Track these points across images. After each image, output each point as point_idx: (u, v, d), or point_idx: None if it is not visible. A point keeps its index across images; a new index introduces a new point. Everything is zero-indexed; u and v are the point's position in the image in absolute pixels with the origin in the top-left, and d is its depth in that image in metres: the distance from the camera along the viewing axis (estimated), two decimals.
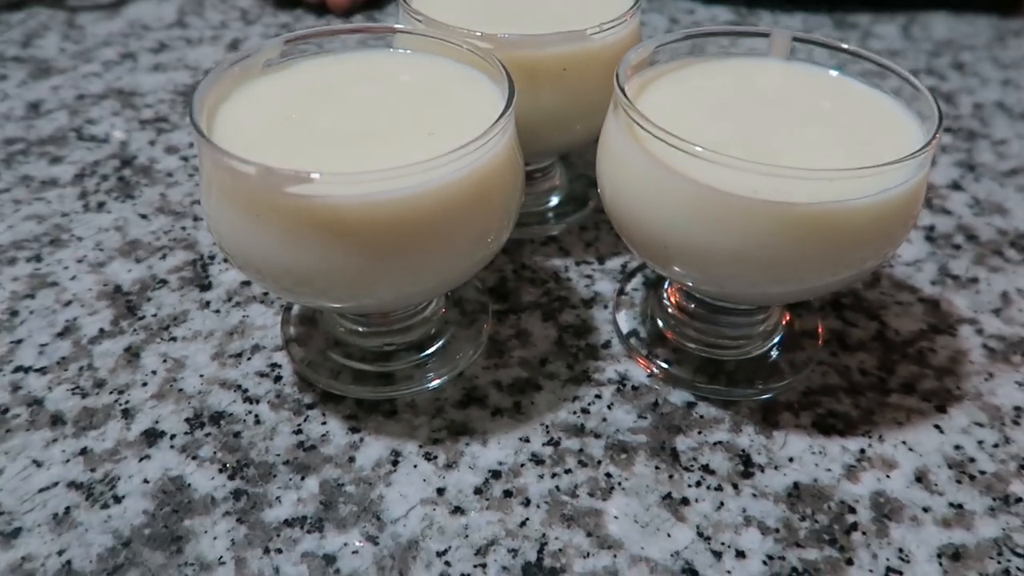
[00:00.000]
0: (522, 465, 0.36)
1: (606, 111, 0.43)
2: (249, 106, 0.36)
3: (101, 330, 0.43)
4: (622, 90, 0.34)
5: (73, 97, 0.62)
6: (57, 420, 0.38)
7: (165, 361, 0.41)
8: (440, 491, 0.35)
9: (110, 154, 0.56)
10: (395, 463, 0.36)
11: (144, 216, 0.50)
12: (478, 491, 0.35)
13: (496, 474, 0.36)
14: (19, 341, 0.42)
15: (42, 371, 0.40)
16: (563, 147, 0.46)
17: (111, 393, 0.39)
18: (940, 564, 0.33)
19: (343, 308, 0.39)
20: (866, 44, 0.71)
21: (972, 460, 0.37)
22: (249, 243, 0.33)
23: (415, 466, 0.36)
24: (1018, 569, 0.33)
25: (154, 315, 0.44)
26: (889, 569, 0.32)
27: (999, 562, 0.33)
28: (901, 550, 0.33)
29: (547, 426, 0.38)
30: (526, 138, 0.40)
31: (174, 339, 0.42)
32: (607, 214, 0.39)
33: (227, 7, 0.76)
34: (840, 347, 0.42)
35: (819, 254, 0.32)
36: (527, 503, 0.35)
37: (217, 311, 0.44)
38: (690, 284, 0.37)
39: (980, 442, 0.38)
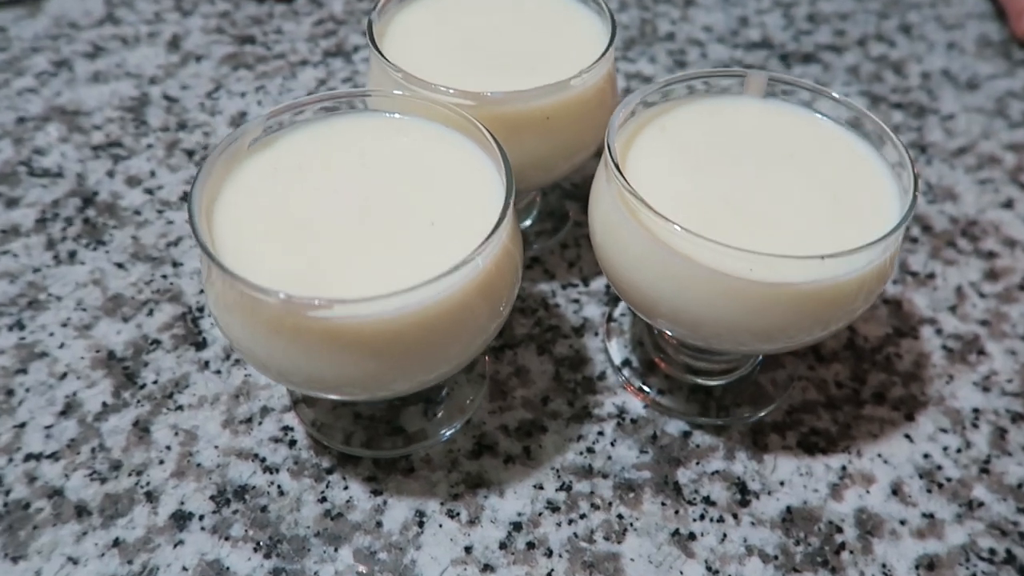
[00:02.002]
0: (539, 514, 0.39)
1: (587, 149, 0.44)
2: (244, 200, 0.35)
3: (104, 404, 0.43)
4: (616, 166, 0.35)
5: (13, 121, 0.59)
6: (82, 511, 0.39)
7: (177, 434, 0.42)
8: (468, 549, 0.38)
9: (68, 191, 0.54)
10: (421, 524, 0.39)
11: (120, 265, 0.50)
12: (503, 545, 0.38)
13: (517, 526, 0.39)
14: (23, 424, 0.42)
15: (54, 457, 0.41)
16: (546, 183, 0.46)
17: (130, 475, 0.40)
18: (918, 575, 0.37)
19: (354, 400, 0.40)
20: (816, 6, 0.71)
21: (939, 468, 0.41)
22: (264, 350, 0.33)
23: (440, 525, 0.39)
24: (983, 573, 0.37)
25: (155, 382, 0.44)
26: None
27: (967, 568, 0.37)
28: (884, 565, 0.37)
29: (557, 470, 0.41)
30: None
31: (180, 408, 0.43)
32: (597, 260, 0.40)
33: None
34: (816, 359, 0.46)
35: (811, 320, 0.34)
36: (549, 553, 0.38)
37: (218, 371, 0.44)
38: (675, 336, 0.39)
39: (945, 448, 0.42)
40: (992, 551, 0.38)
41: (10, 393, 0.43)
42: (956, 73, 0.65)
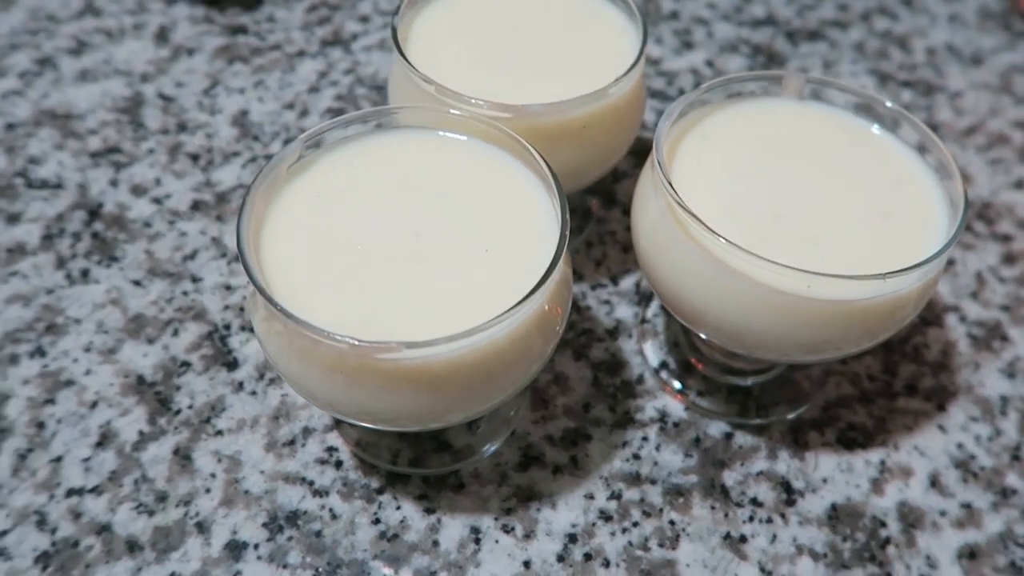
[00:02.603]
0: (593, 524, 0.39)
1: (619, 152, 0.44)
2: (290, 231, 0.34)
3: (141, 433, 0.42)
4: (669, 183, 0.35)
5: (2, 128, 0.56)
6: (133, 546, 0.38)
7: (220, 460, 0.41)
8: (527, 564, 0.38)
9: (72, 203, 0.52)
10: (477, 540, 0.39)
11: (137, 283, 0.48)
12: (560, 558, 0.38)
13: (572, 538, 0.39)
14: (59, 459, 0.41)
15: (96, 491, 0.40)
16: (578, 189, 0.46)
17: (178, 506, 0.39)
18: (961, 565, 0.39)
19: (405, 431, 0.40)
20: None
21: (973, 457, 0.42)
22: (318, 386, 0.33)
23: (496, 541, 0.39)
24: (1022, 559, 0.39)
25: (190, 407, 0.43)
26: None
27: (1006, 555, 0.39)
28: (928, 557, 0.39)
29: (606, 479, 0.41)
30: None
31: (220, 432, 0.42)
32: (641, 266, 0.40)
33: None
34: None
35: (863, 333, 0.35)
36: (607, 564, 0.38)
37: (253, 392, 0.44)
38: (714, 341, 0.39)
39: (977, 437, 0.43)
40: None
41: (41, 426, 0.42)
42: (960, 47, 0.65)
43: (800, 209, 0.37)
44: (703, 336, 0.39)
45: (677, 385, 0.44)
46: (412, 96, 0.41)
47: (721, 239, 0.33)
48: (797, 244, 0.35)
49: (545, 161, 0.35)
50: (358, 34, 0.64)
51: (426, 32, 0.44)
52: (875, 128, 0.40)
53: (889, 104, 0.39)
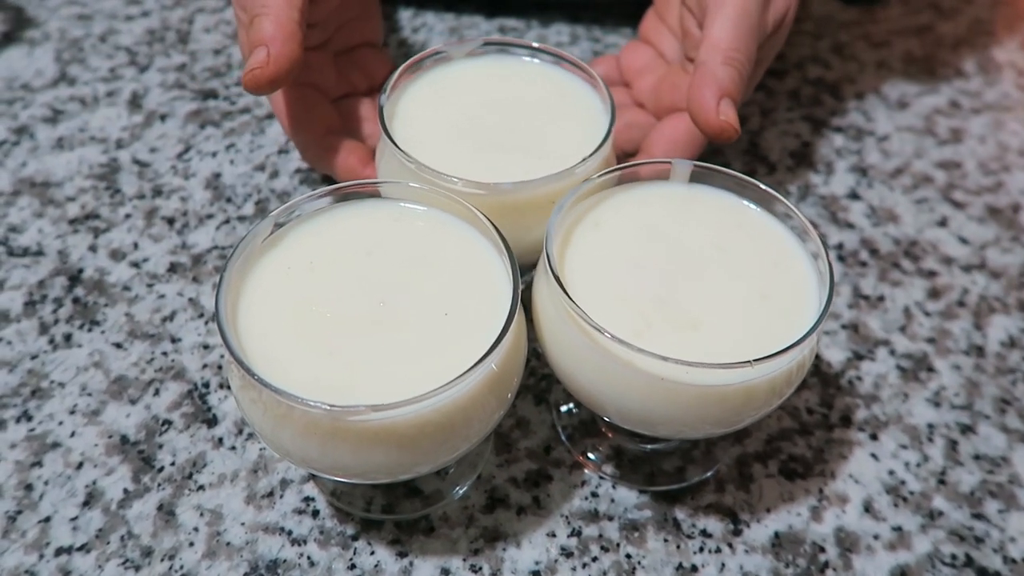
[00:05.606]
0: (555, 561, 0.42)
1: None
2: (263, 303, 0.37)
3: (126, 491, 0.44)
4: (557, 277, 0.37)
5: None
6: None
7: (202, 514, 0.44)
8: None
9: (52, 270, 0.54)
10: None
11: (119, 345, 0.51)
12: None
13: (536, 574, 0.42)
14: (47, 519, 0.43)
15: (84, 549, 0.42)
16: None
17: (163, 560, 0.42)
18: None
19: (375, 483, 0.43)
20: None
21: (903, 483, 0.46)
22: (297, 447, 0.35)
23: None
24: None
25: (172, 464, 0.45)
26: None
27: (933, 574, 0.42)
28: None
29: (567, 516, 0.44)
30: None
31: (202, 488, 0.45)
32: (541, 349, 0.42)
33: (110, 48, 0.71)
34: None
35: (749, 412, 0.38)
36: None
37: (233, 447, 0.46)
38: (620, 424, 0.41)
39: (906, 464, 0.47)
40: (954, 556, 0.43)
41: (29, 488, 0.44)
42: (887, 93, 0.70)
43: (684, 294, 0.39)
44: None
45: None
46: (395, 170, 0.44)
47: (607, 334, 0.35)
48: (680, 330, 0.37)
49: (497, 230, 0.38)
50: None
51: (410, 109, 0.47)
52: (755, 208, 0.42)
53: (763, 186, 0.42)
